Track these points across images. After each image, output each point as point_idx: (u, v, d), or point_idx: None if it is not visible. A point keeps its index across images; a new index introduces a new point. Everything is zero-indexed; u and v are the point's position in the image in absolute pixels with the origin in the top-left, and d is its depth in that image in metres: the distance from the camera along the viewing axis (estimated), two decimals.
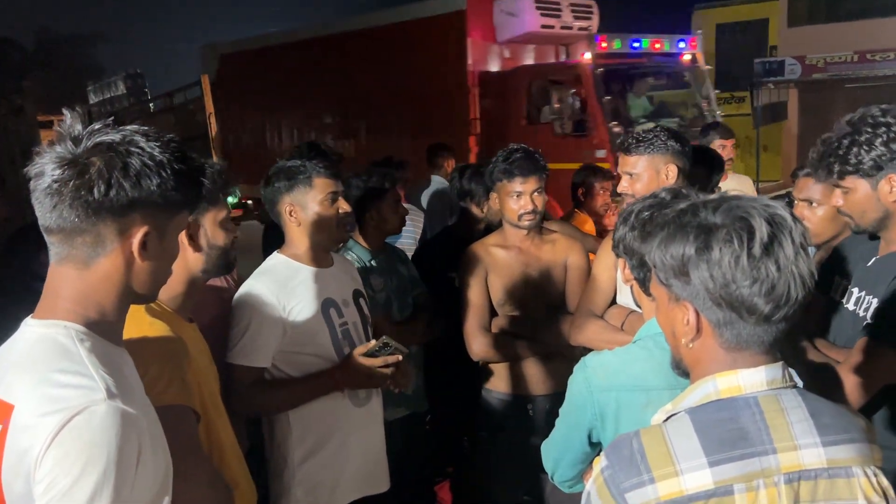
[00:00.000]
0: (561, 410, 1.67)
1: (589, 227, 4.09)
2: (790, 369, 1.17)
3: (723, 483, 1.05)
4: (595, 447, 1.61)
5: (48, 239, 1.17)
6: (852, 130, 1.84)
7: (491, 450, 2.84)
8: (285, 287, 2.24)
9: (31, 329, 1.16)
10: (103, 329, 1.18)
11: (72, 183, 1.11)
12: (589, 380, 1.58)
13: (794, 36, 12.48)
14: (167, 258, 1.27)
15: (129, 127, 1.19)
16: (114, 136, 1.15)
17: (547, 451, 1.73)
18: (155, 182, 1.15)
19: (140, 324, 1.57)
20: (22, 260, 2.23)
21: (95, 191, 1.11)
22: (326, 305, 2.30)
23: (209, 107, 12.47)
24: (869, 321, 1.85)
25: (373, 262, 2.89)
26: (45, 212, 1.14)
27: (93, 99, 20.77)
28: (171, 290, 1.73)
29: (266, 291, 2.21)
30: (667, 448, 1.08)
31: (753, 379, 1.11)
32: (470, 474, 3.09)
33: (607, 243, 2.51)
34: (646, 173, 2.42)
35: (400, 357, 2.25)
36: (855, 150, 1.81)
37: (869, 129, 1.80)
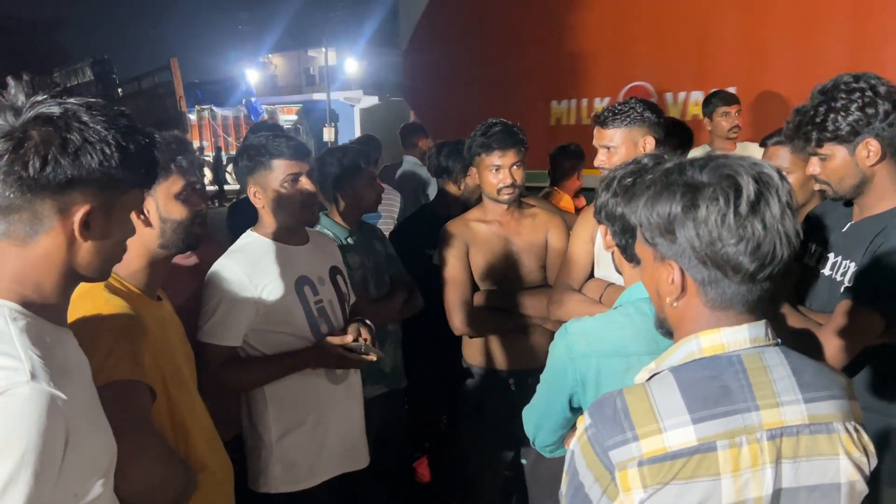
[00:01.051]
0: (542, 376, 1.67)
1: (565, 203, 4.11)
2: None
3: (706, 440, 1.05)
4: (576, 412, 1.61)
5: None
6: (827, 98, 1.85)
7: (472, 425, 2.84)
8: (257, 265, 2.20)
9: None
10: (42, 308, 1.12)
11: (6, 157, 1.05)
12: (570, 346, 1.57)
13: None
14: (116, 238, 1.20)
15: (73, 99, 1.11)
16: (54, 109, 1.08)
17: (528, 417, 1.73)
18: (97, 159, 1.09)
19: (96, 300, 1.53)
20: None
21: (30, 167, 1.05)
22: (300, 283, 2.26)
23: (179, 90, 12.28)
24: (847, 285, 1.86)
25: (349, 240, 2.86)
26: None
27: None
28: (129, 266, 1.67)
29: (237, 270, 2.17)
30: (650, 406, 1.07)
31: (736, 337, 1.11)
32: (448, 450, 3.08)
33: (583, 218, 2.50)
34: (623, 146, 2.41)
35: (374, 358, 2.24)
36: (832, 116, 1.82)
37: (843, 96, 1.82)
